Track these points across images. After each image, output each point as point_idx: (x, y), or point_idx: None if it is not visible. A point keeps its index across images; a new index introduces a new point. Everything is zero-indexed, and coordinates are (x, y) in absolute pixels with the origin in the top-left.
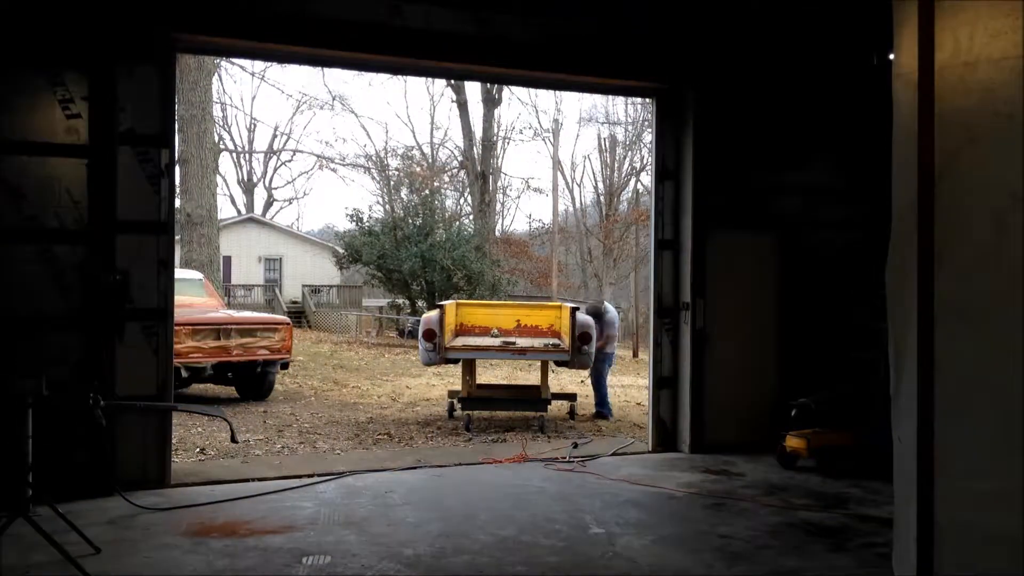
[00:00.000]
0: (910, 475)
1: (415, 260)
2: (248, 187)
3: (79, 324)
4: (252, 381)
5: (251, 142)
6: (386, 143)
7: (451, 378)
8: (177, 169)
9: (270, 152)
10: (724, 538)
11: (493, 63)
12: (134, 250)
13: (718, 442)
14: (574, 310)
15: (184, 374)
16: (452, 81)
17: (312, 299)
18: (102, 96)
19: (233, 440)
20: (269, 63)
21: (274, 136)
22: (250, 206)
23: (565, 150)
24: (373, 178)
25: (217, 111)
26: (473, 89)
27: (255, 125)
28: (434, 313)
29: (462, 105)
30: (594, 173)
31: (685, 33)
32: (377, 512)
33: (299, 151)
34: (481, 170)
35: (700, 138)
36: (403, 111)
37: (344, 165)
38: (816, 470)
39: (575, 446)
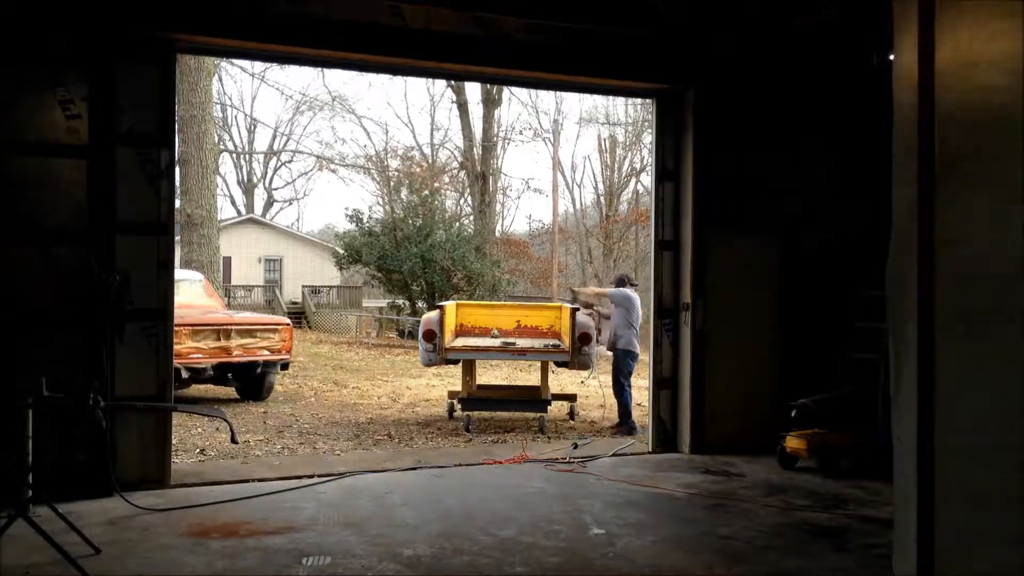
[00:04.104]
0: (910, 475)
1: (415, 261)
2: (248, 188)
3: (79, 324)
4: (252, 382)
5: (251, 143)
6: (386, 144)
7: (451, 379)
8: (177, 170)
9: (270, 153)
10: (724, 539)
11: (493, 64)
12: (134, 251)
13: (718, 443)
14: (574, 311)
15: (184, 375)
16: (452, 82)
17: (312, 300)
18: (102, 96)
19: (233, 441)
20: (269, 64)
21: (274, 137)
22: (250, 207)
23: (565, 151)
24: (373, 179)
25: (217, 112)
26: (473, 90)
27: (255, 126)
28: (434, 314)
29: (462, 106)
30: (594, 174)
31: (685, 33)
32: (377, 513)
33: (299, 152)
34: (481, 171)
35: (700, 139)
36: (403, 112)
37: (344, 166)
38: (816, 471)
39: (575, 447)
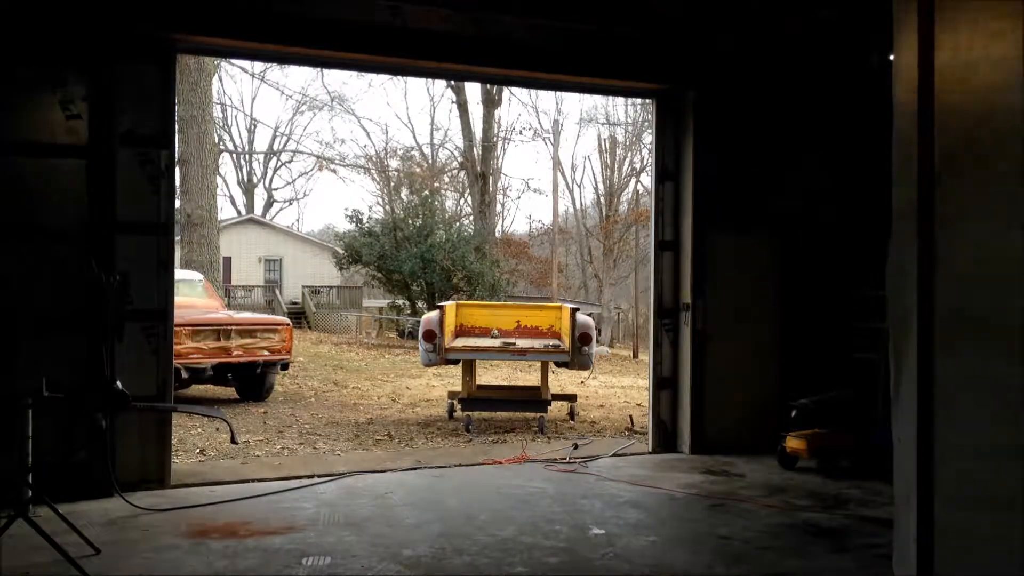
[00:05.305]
0: (910, 475)
1: (415, 261)
2: (248, 188)
3: (79, 324)
4: (252, 382)
5: (251, 143)
6: (386, 144)
7: (451, 379)
8: (177, 170)
9: (270, 153)
10: (724, 539)
11: (493, 64)
12: (134, 251)
13: (718, 443)
14: (574, 311)
15: (184, 375)
16: (452, 82)
17: (312, 300)
18: (102, 97)
19: (233, 441)
20: (269, 64)
21: (274, 137)
22: (250, 207)
23: (565, 151)
24: (373, 179)
25: (217, 112)
26: (473, 90)
27: (255, 126)
28: (434, 314)
29: (462, 106)
30: (594, 174)
31: (685, 34)
32: (377, 513)
33: (299, 152)
34: (481, 171)
35: (700, 139)
36: (403, 112)
37: (344, 166)
38: (816, 471)
39: (575, 447)
